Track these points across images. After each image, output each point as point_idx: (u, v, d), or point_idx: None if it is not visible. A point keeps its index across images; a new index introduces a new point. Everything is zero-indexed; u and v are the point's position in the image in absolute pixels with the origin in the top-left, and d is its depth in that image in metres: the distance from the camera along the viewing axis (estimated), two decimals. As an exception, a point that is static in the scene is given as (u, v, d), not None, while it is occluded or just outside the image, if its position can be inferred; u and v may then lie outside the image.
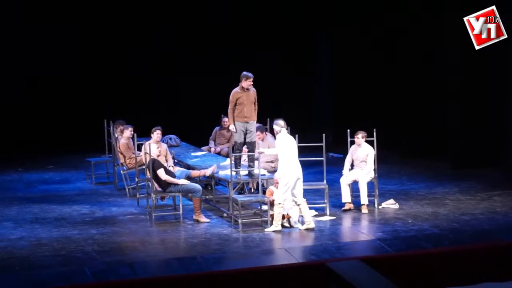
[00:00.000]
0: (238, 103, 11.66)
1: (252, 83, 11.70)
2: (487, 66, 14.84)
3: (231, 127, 11.88)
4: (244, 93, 11.67)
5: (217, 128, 14.96)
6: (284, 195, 10.91)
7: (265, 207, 11.43)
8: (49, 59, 17.97)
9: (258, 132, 12.45)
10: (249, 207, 12.17)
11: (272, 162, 12.69)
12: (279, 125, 11.19)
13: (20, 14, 17.82)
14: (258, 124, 12.35)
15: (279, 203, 10.87)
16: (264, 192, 11.69)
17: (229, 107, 11.78)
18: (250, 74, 11.70)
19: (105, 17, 18.09)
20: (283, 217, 11.17)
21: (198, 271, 9.17)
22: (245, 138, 11.86)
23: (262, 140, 12.74)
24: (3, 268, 9.48)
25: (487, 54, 14.78)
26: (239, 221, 11.08)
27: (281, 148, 11.05)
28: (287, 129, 11.30)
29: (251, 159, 11.85)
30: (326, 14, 18.39)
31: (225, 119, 14.81)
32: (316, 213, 11.74)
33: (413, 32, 16.49)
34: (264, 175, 11.88)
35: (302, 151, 12.41)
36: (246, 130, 11.78)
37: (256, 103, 11.87)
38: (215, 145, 14.76)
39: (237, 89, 11.72)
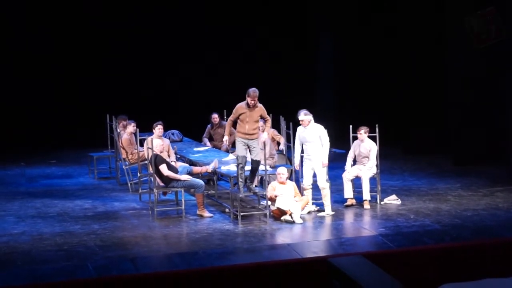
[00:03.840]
0: (241, 119, 11.18)
1: (255, 100, 11.10)
2: (488, 64, 14.84)
3: (224, 139, 11.55)
4: (248, 110, 11.14)
5: (208, 126, 14.96)
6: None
7: (267, 202, 11.43)
8: (50, 55, 17.99)
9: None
10: (251, 202, 12.16)
11: (272, 157, 12.67)
12: (309, 114, 11.62)
13: (21, 13, 17.84)
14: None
15: (325, 188, 11.52)
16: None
17: (230, 117, 11.41)
18: (251, 91, 11.07)
19: (105, 16, 18.13)
20: (285, 212, 11.18)
21: (200, 266, 9.17)
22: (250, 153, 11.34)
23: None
24: (5, 263, 9.48)
25: (488, 53, 14.82)
26: (238, 215, 11.09)
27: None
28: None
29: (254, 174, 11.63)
30: (328, 11, 18.39)
31: (214, 115, 14.83)
32: (318, 208, 11.74)
33: (414, 30, 16.49)
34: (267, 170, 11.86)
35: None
36: (249, 146, 11.27)
37: (267, 119, 11.39)
38: (209, 142, 14.75)
39: (242, 103, 11.22)
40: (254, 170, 11.42)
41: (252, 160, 11.32)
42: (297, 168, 11.88)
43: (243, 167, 11.20)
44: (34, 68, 17.94)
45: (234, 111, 11.28)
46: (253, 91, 11.08)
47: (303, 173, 11.76)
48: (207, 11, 18.54)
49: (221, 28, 18.53)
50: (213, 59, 18.65)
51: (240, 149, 11.21)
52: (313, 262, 9.16)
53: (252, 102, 11.08)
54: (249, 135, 11.17)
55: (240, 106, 11.19)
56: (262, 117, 11.35)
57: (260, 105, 11.23)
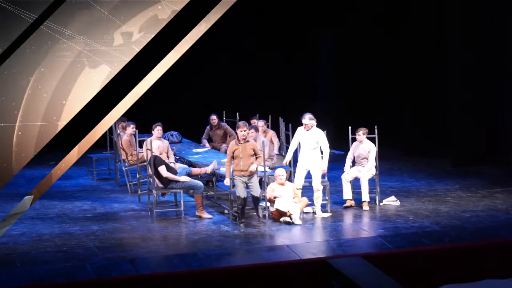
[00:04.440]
0: (235, 156, 11.09)
1: (245, 132, 11.03)
2: (488, 64, 14.84)
3: (226, 181, 11.36)
4: (240, 146, 11.04)
5: (207, 127, 14.95)
6: None
7: (266, 204, 11.43)
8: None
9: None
10: (250, 203, 12.15)
11: (271, 158, 12.67)
12: (313, 119, 11.71)
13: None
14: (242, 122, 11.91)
15: (319, 190, 11.59)
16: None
17: (226, 159, 11.38)
18: (241, 123, 11.09)
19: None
20: (285, 214, 11.18)
21: (199, 268, 9.18)
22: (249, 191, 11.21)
23: (255, 140, 11.97)
24: (4, 264, 9.49)
25: (487, 51, 14.82)
26: (238, 216, 11.09)
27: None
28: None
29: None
30: (328, 10, 18.40)
31: (213, 117, 14.81)
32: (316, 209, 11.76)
33: (415, 30, 16.49)
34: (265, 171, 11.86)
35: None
36: (248, 184, 11.17)
37: (258, 156, 11.13)
38: (208, 143, 14.75)
39: (233, 141, 11.23)
40: (255, 203, 11.35)
41: (251, 195, 11.19)
42: (286, 164, 11.98)
43: (243, 207, 11.13)
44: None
45: (228, 151, 11.34)
46: (243, 123, 11.16)
47: (295, 174, 11.80)
48: (207, 11, 18.49)
49: (221, 28, 18.48)
50: (213, 59, 18.63)
51: (241, 189, 11.05)
52: (312, 263, 9.16)
53: (243, 136, 11.04)
54: (245, 171, 11.05)
55: (232, 144, 11.17)
56: (254, 152, 11.15)
57: (252, 141, 11.24)
